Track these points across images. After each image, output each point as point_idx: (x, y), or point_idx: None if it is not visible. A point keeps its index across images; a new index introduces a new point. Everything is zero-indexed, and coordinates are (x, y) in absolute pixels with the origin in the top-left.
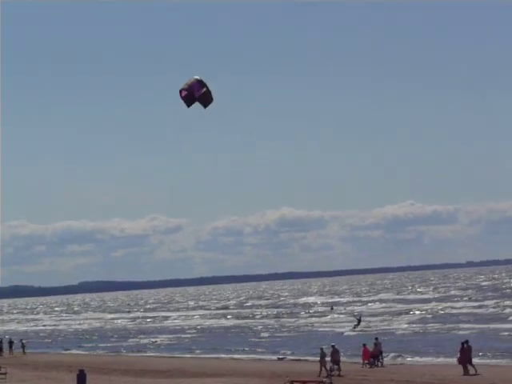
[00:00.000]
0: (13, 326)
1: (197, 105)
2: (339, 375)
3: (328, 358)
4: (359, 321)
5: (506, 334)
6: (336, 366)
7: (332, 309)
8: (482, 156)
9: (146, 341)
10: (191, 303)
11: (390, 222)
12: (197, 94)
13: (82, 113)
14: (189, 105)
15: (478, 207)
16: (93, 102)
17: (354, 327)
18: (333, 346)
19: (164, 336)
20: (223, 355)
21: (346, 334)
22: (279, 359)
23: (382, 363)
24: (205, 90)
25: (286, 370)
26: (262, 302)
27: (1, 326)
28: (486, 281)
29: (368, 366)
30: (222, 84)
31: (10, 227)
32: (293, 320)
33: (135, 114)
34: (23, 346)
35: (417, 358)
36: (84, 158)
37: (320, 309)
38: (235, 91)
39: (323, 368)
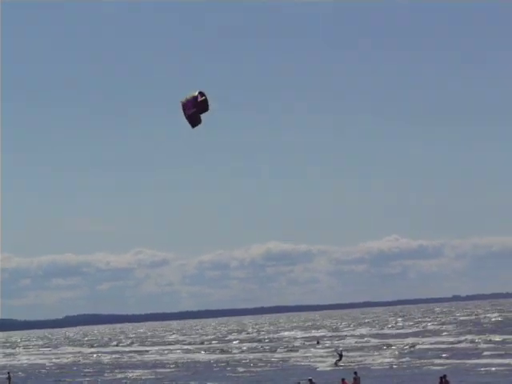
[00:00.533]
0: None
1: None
2: None
3: None
4: (341, 356)
5: (482, 369)
6: None
7: (318, 343)
8: (467, 191)
9: (121, 375)
10: (172, 337)
11: (375, 256)
12: (188, 112)
13: (66, 147)
14: (193, 125)
15: (463, 242)
16: (77, 138)
17: (336, 363)
18: (310, 380)
19: (141, 371)
20: None
21: (322, 369)
22: None
23: None
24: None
25: None
26: (242, 337)
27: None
28: (466, 315)
29: None
30: (209, 121)
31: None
32: (271, 354)
33: (119, 149)
34: (9, 379)
35: None
36: (69, 192)
37: (299, 343)
38: (223, 127)
39: None
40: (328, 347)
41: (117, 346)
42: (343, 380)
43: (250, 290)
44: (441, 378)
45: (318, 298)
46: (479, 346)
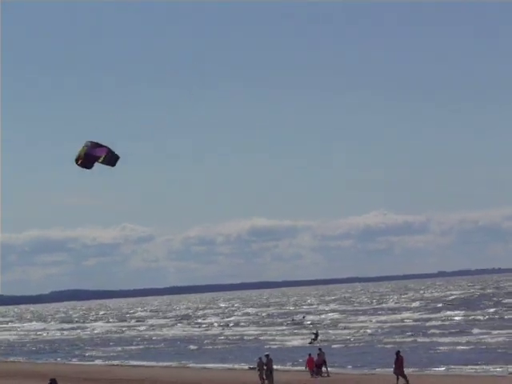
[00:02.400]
0: None
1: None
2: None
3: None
4: (316, 335)
5: (444, 348)
6: (270, 374)
7: (304, 317)
8: (453, 165)
9: (118, 349)
10: (153, 313)
11: (361, 232)
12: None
13: (56, 121)
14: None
15: (449, 217)
16: (66, 110)
17: (311, 342)
18: (267, 356)
19: (133, 346)
20: (193, 364)
21: (295, 345)
22: (250, 369)
23: (327, 373)
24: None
25: (286, 379)
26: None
27: None
28: (436, 292)
29: (312, 375)
30: (197, 95)
31: None
32: (242, 329)
33: (106, 122)
34: None
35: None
36: (56, 167)
37: (279, 320)
38: (208, 102)
39: (261, 378)
40: (304, 324)
41: (105, 321)
42: (309, 355)
43: (236, 265)
44: (396, 353)
45: (304, 274)
46: (429, 323)
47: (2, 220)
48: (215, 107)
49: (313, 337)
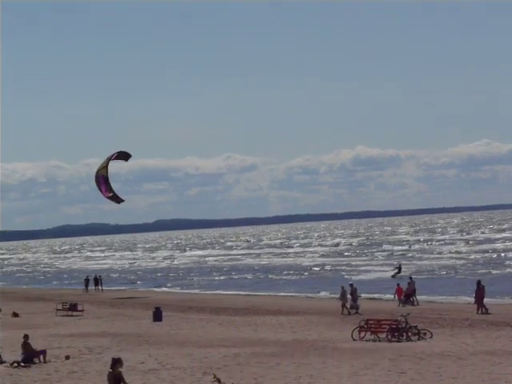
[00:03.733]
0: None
1: None
2: (357, 313)
3: (349, 297)
4: (399, 269)
5: None
6: (355, 304)
7: (410, 247)
8: None
9: (221, 278)
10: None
11: (465, 161)
12: (105, 195)
13: (155, 52)
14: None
15: None
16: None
17: (394, 276)
18: (351, 285)
19: (239, 275)
20: (297, 294)
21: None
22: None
23: (416, 301)
24: (111, 194)
25: (377, 308)
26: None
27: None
28: None
29: (401, 304)
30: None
31: (86, 165)
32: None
33: (213, 53)
34: (100, 283)
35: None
36: (159, 97)
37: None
38: (315, 38)
39: (344, 307)
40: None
41: (213, 249)
42: (398, 285)
43: (340, 194)
44: (477, 283)
45: (407, 203)
46: None
47: (105, 150)
48: (316, 40)
49: (396, 270)
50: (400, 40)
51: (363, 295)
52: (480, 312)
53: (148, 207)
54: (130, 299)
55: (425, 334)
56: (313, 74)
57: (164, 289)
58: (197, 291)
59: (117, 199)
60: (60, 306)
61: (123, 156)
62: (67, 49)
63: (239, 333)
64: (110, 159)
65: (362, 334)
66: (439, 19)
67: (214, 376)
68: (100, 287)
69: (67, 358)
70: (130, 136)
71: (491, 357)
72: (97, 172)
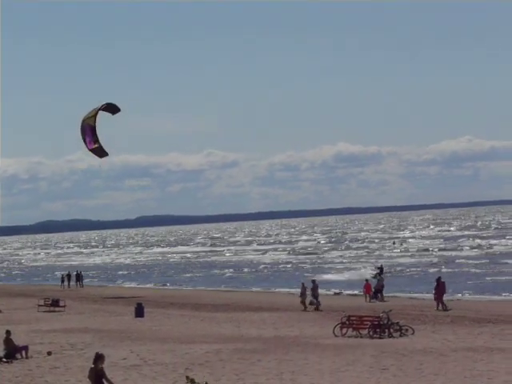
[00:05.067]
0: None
1: None
2: (317, 309)
3: (309, 293)
4: (381, 269)
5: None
6: (315, 301)
7: (394, 243)
8: None
9: (200, 274)
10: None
11: (447, 158)
12: (89, 147)
13: (135, 48)
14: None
15: None
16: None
17: (375, 276)
18: (313, 282)
19: (219, 270)
20: (278, 289)
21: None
22: (335, 294)
23: (382, 297)
24: (96, 146)
25: (343, 304)
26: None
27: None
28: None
29: (370, 299)
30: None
31: (68, 161)
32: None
33: (188, 48)
34: (81, 279)
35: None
36: (141, 93)
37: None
38: (297, 35)
39: (303, 303)
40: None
41: (197, 246)
42: (367, 280)
43: (321, 191)
44: (436, 279)
45: (389, 200)
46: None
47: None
48: (302, 33)
49: (378, 271)
50: (383, 37)
51: (330, 292)
52: (440, 308)
53: (130, 203)
54: (112, 295)
55: (407, 330)
56: (295, 71)
57: (143, 286)
58: (173, 288)
59: (101, 152)
60: (42, 302)
61: (111, 108)
62: (48, 44)
63: (221, 329)
64: (99, 110)
65: (344, 330)
66: (424, 17)
67: (187, 378)
68: (80, 283)
69: (49, 353)
70: (112, 132)
71: (473, 353)
72: (82, 121)
